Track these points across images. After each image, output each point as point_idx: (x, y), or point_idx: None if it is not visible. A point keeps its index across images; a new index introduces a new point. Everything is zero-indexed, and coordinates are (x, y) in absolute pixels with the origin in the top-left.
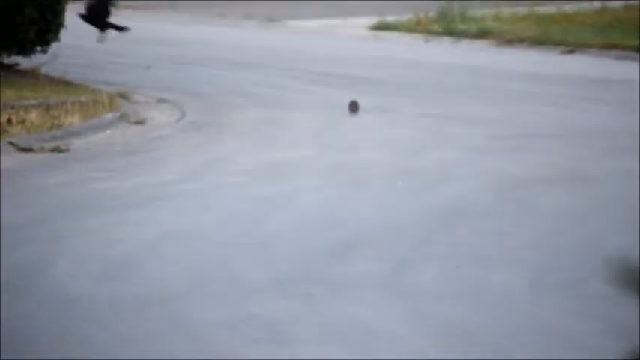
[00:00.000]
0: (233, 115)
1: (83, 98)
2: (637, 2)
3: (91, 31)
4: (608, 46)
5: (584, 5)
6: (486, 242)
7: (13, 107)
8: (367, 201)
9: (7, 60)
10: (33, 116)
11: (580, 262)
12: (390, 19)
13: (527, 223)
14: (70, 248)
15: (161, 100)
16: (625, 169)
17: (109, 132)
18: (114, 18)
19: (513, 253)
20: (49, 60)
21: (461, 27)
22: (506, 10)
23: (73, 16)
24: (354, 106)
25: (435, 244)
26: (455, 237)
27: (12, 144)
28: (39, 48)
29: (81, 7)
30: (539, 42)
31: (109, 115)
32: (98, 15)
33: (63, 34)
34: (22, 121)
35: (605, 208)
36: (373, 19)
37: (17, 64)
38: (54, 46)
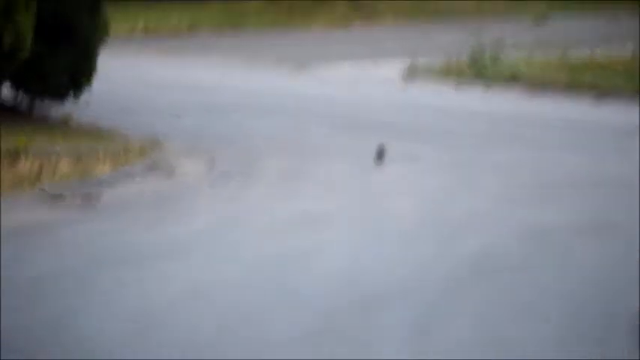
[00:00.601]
0: (262, 163)
1: (114, 146)
2: None
3: (123, 77)
4: None
5: (617, 51)
6: (517, 293)
7: (43, 156)
8: (396, 252)
9: (39, 107)
10: (64, 165)
11: (610, 314)
12: (421, 63)
13: (557, 273)
14: (99, 300)
15: (191, 149)
16: None
17: (139, 180)
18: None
19: (544, 305)
20: (80, 107)
21: (492, 72)
22: (538, 56)
23: (103, 61)
24: (380, 154)
25: (465, 296)
26: (485, 289)
27: (42, 194)
28: (71, 93)
29: (111, 52)
30: (570, 88)
31: (140, 164)
32: None
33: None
34: (53, 170)
35: (636, 259)
36: (404, 64)
37: (49, 111)
38: (85, 92)
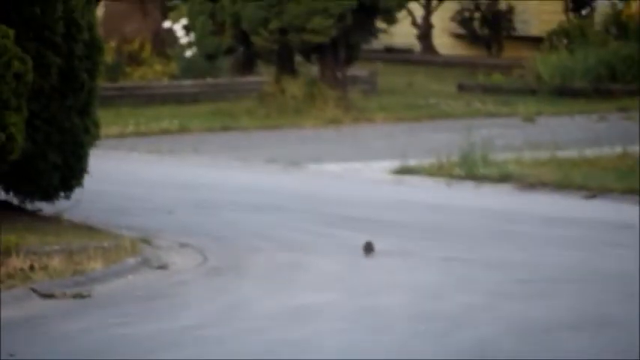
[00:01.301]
0: (254, 258)
1: (105, 243)
2: None
3: (115, 176)
4: (629, 191)
5: (606, 150)
6: None
7: (35, 253)
8: (389, 346)
9: (30, 206)
10: (55, 262)
11: None
12: (412, 162)
13: None
14: None
15: (183, 245)
16: None
17: (130, 277)
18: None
19: None
20: (71, 205)
21: (483, 171)
22: (528, 155)
23: (94, 161)
24: (368, 248)
25: None
26: None
27: (34, 290)
28: (62, 194)
29: (102, 153)
30: (561, 186)
31: (131, 261)
32: None
33: (85, 178)
34: (45, 267)
35: (629, 354)
36: (395, 163)
37: (40, 210)
38: (77, 191)
